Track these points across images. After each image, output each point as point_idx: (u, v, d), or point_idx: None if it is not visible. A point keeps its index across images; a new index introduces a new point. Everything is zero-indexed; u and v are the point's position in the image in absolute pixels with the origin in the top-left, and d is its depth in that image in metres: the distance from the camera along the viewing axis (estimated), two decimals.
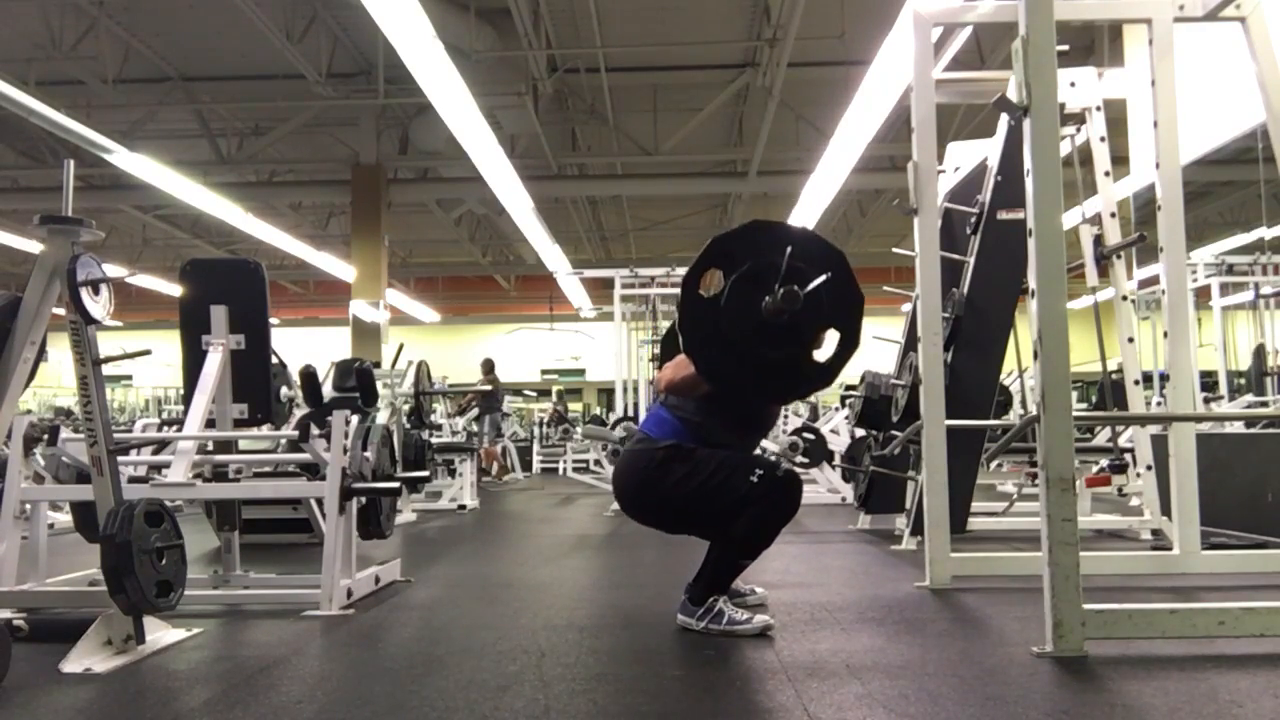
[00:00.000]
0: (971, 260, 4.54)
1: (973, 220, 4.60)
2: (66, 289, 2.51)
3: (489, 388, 10.87)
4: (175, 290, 3.84)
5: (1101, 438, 6.50)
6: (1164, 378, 4.34)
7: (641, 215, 16.36)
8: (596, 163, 13.20)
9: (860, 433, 6.28)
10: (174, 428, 4.31)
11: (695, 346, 2.68)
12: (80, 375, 2.56)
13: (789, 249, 2.62)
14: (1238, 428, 5.87)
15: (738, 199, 14.78)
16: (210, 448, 3.63)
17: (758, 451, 3.29)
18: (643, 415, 7.75)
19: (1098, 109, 4.46)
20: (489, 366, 11.86)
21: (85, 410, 2.55)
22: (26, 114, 7.72)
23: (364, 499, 3.47)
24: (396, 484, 3.72)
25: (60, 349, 2.83)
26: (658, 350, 6.46)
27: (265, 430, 3.93)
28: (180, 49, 10.07)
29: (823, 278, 2.62)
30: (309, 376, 4.36)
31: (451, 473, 8.00)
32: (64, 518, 5.24)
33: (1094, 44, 8.71)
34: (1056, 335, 2.50)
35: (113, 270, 2.65)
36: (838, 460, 7.27)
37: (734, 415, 2.94)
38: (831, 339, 2.70)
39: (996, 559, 3.87)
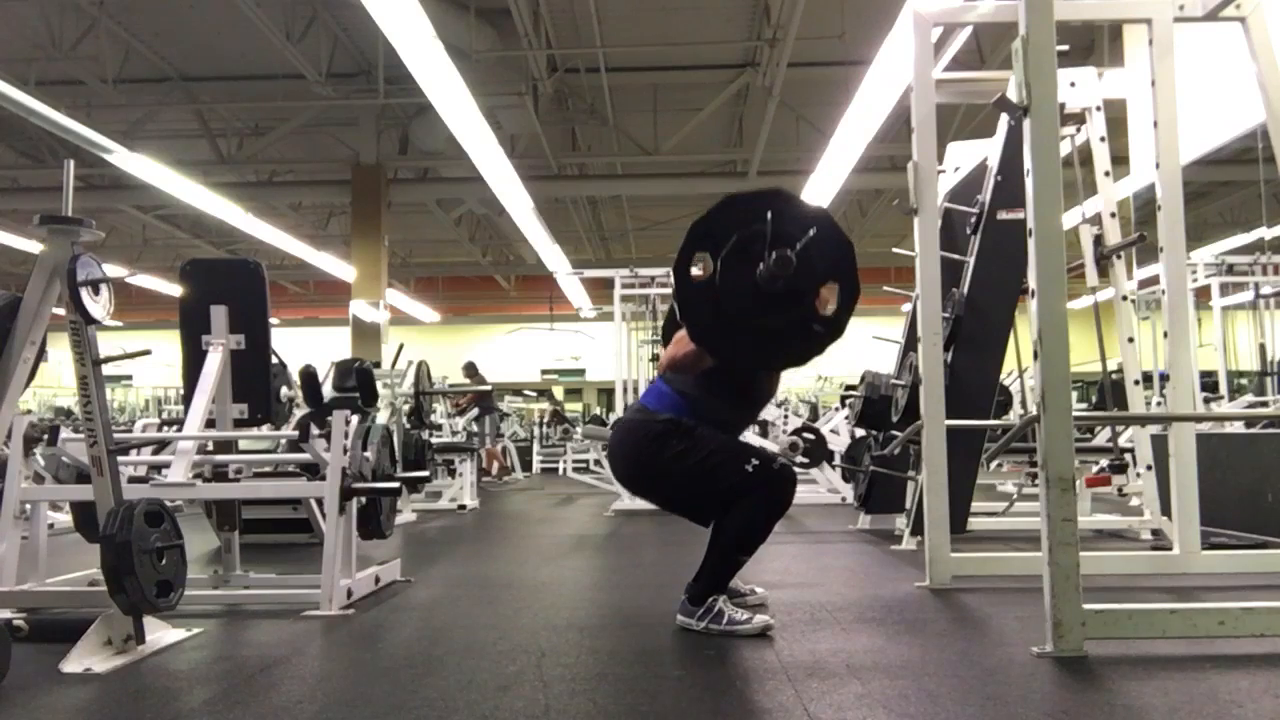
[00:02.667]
0: (971, 260, 4.53)
1: (973, 220, 4.60)
2: (66, 289, 2.51)
3: (488, 387, 10.87)
4: (175, 290, 3.84)
5: (1101, 438, 6.50)
6: (1164, 378, 4.34)
7: (641, 215, 16.36)
8: (596, 163, 13.20)
9: (860, 433, 6.28)
10: (174, 428, 4.30)
11: (699, 330, 2.65)
12: (80, 375, 2.56)
13: (769, 215, 2.57)
14: (1238, 428, 5.87)
15: None
16: (210, 448, 3.62)
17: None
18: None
19: (1098, 109, 4.46)
20: (472, 369, 11.85)
21: (85, 410, 2.55)
22: (26, 114, 7.72)
23: (364, 499, 3.47)
24: (396, 484, 3.72)
25: (60, 349, 2.84)
26: (658, 351, 6.46)
27: (265, 430, 3.93)
28: (180, 49, 10.07)
29: (810, 233, 2.58)
30: (309, 376, 4.36)
31: (451, 473, 8.00)
32: (64, 518, 5.24)
33: (1094, 44, 8.71)
34: (1056, 335, 2.50)
35: (113, 270, 2.65)
36: (838, 460, 7.26)
37: (733, 389, 2.93)
38: (831, 292, 2.66)
39: (996, 559, 3.87)
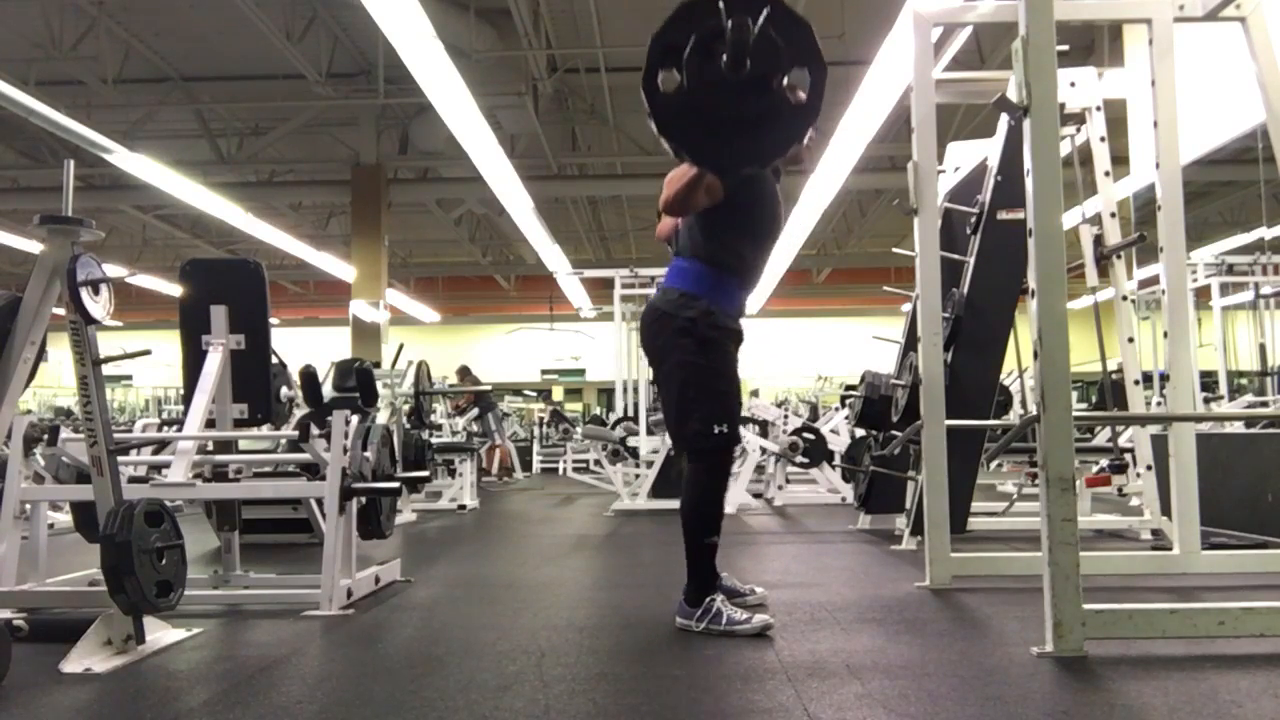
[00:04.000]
0: (971, 260, 4.54)
1: (973, 220, 4.60)
2: (66, 289, 2.51)
3: (487, 387, 10.88)
4: (175, 290, 3.84)
5: (1101, 438, 6.50)
6: (1164, 378, 4.34)
7: (641, 215, 16.34)
8: (596, 163, 13.20)
9: (860, 433, 6.28)
10: (174, 428, 4.30)
11: (683, 141, 2.61)
12: (80, 375, 2.56)
13: (720, 5, 2.50)
14: (1238, 428, 5.87)
15: None
16: (210, 448, 3.63)
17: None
18: (643, 415, 7.75)
19: (1098, 109, 4.46)
20: (465, 372, 11.86)
21: (85, 410, 2.55)
22: (26, 114, 7.71)
23: (364, 499, 3.47)
24: (396, 484, 3.72)
25: (60, 349, 2.83)
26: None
27: (265, 430, 3.93)
28: (180, 49, 10.07)
29: (764, 12, 2.50)
30: (309, 376, 4.36)
31: (451, 473, 8.00)
32: (64, 518, 5.24)
33: (1094, 44, 8.71)
34: (1056, 335, 2.50)
35: (113, 270, 2.65)
36: (838, 460, 7.27)
37: (741, 219, 2.93)
38: (800, 78, 2.59)
39: (996, 559, 3.87)
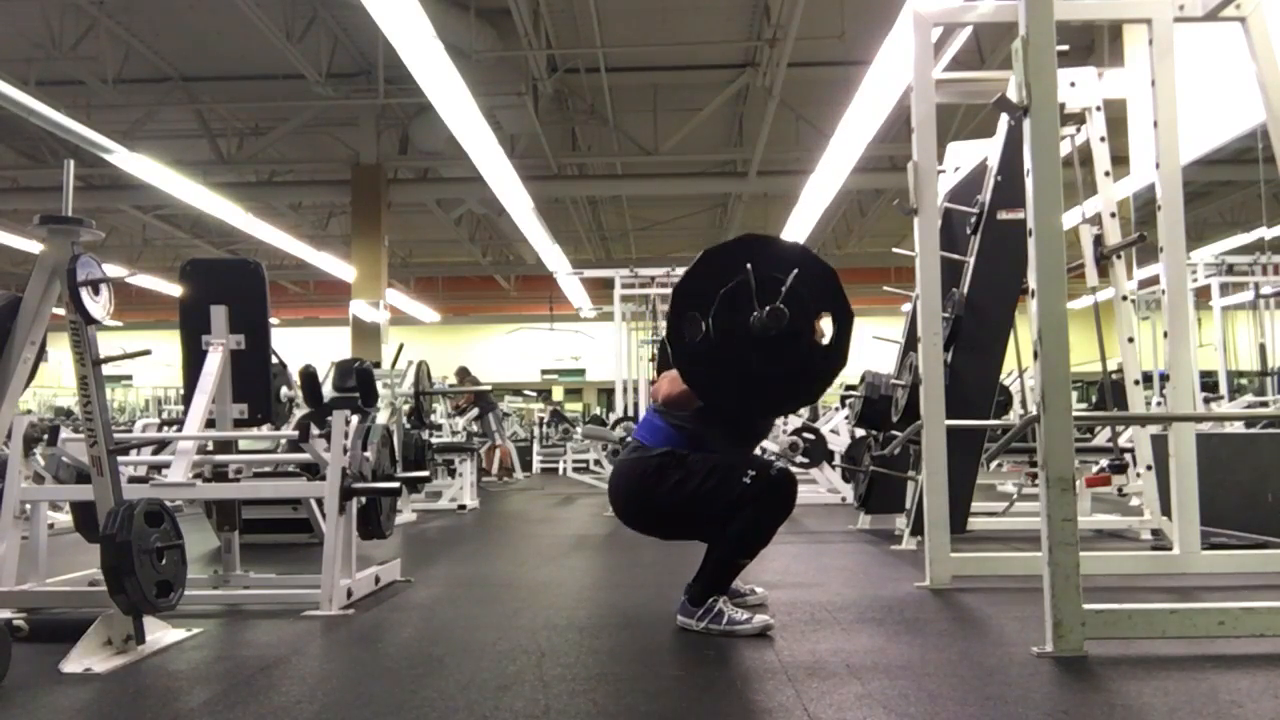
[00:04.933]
0: (971, 260, 4.53)
1: (973, 220, 4.60)
2: (66, 289, 2.51)
3: (487, 387, 10.88)
4: (175, 290, 3.84)
5: (1101, 438, 6.50)
6: (1164, 378, 4.34)
7: (641, 215, 16.35)
8: (596, 163, 13.19)
9: (860, 433, 6.28)
10: (174, 428, 4.30)
11: (706, 390, 2.66)
12: (80, 375, 2.56)
13: (748, 264, 2.58)
14: (1238, 428, 5.87)
15: (738, 199, 14.77)
16: (210, 448, 3.63)
17: (756, 451, 3.29)
18: (643, 414, 7.74)
19: (1098, 109, 4.46)
20: (464, 373, 11.86)
21: (85, 410, 2.55)
22: (26, 114, 7.71)
23: (364, 499, 3.47)
24: (396, 484, 3.71)
25: (60, 349, 2.83)
26: (657, 350, 6.46)
27: (265, 430, 3.93)
28: (180, 49, 10.07)
29: (793, 274, 2.58)
30: (309, 376, 4.36)
31: (451, 473, 8.00)
32: (64, 518, 5.24)
33: (1094, 44, 8.71)
34: (1056, 335, 2.50)
35: (113, 270, 2.64)
36: (838, 460, 7.27)
37: (730, 424, 2.94)
38: (825, 322, 2.66)
39: (996, 559, 3.87)
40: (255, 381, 3.60)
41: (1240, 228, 12.80)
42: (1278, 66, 3.32)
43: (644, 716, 2.04)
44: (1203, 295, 9.22)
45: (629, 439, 3.06)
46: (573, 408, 20.42)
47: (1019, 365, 5.80)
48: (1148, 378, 7.72)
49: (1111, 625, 2.48)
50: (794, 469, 2.94)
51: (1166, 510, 4.19)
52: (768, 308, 2.54)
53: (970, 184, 4.83)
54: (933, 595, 3.40)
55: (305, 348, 8.32)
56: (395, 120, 11.99)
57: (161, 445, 3.93)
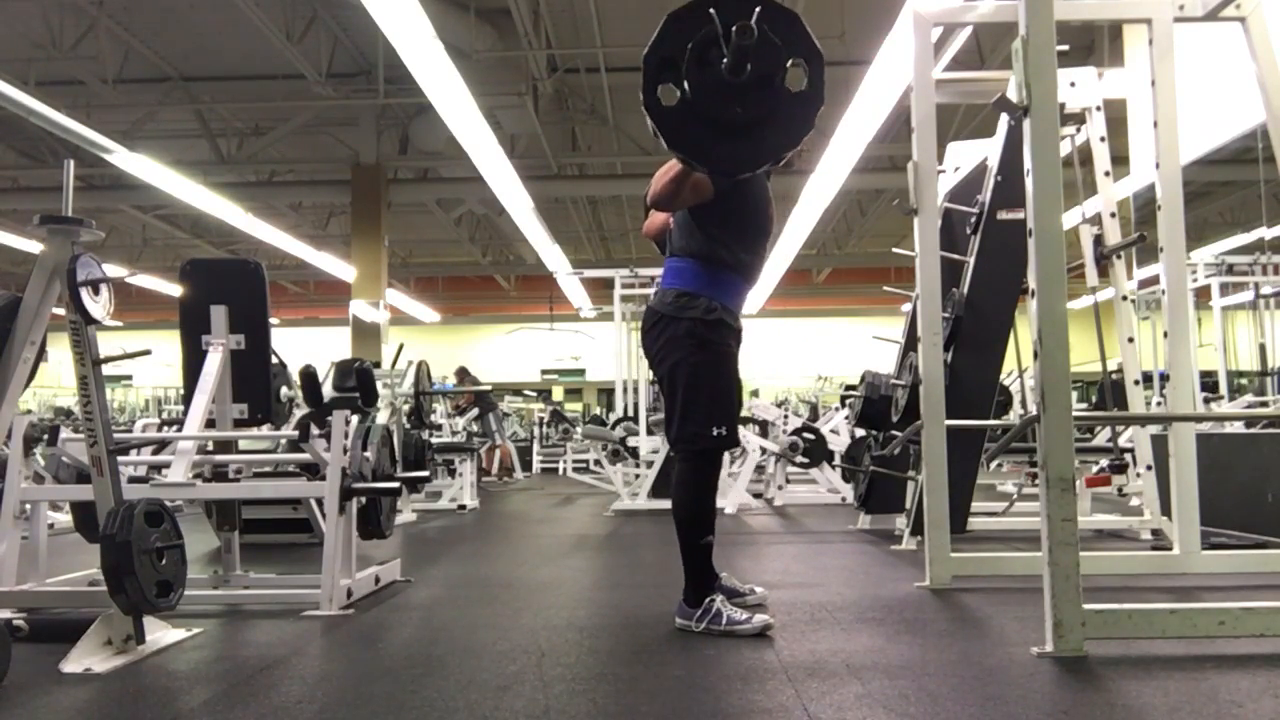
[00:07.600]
0: (971, 260, 4.54)
1: (973, 220, 4.60)
2: (66, 289, 2.51)
3: (487, 387, 10.88)
4: (175, 290, 3.84)
5: (1101, 438, 6.50)
6: (1164, 378, 4.34)
7: (641, 215, 16.32)
8: (596, 163, 13.20)
9: (860, 433, 6.28)
10: (174, 428, 4.30)
11: (693, 148, 2.59)
12: (80, 375, 2.56)
13: (712, 11, 2.48)
14: (1238, 428, 5.87)
15: None
16: (210, 448, 3.63)
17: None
18: (643, 414, 7.75)
19: (1098, 109, 4.46)
20: (464, 373, 11.87)
21: (85, 410, 2.55)
22: (26, 114, 7.72)
23: (364, 499, 3.47)
24: (396, 484, 3.71)
25: (60, 349, 2.83)
26: None
27: (265, 430, 3.93)
28: (180, 49, 10.07)
29: (756, 10, 2.47)
30: (309, 376, 4.36)
31: (451, 473, 8.00)
32: (64, 518, 5.24)
33: (1094, 44, 8.71)
34: (1056, 335, 2.50)
35: (113, 270, 2.65)
36: (838, 460, 7.27)
37: (733, 219, 2.91)
38: (798, 69, 2.57)
39: (996, 559, 3.87)
40: (255, 381, 3.60)
41: (1240, 228, 12.81)
42: (1278, 66, 3.32)
43: (644, 716, 2.04)
44: (1203, 295, 9.21)
45: (658, 289, 3.03)
46: (573, 408, 20.41)
47: (1019, 365, 5.80)
48: (1148, 378, 7.71)
49: (1111, 625, 2.48)
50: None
51: (1166, 510, 4.19)
52: (735, 27, 2.42)
53: (970, 184, 4.83)
54: (933, 595, 3.40)
55: (305, 348, 8.32)
56: (395, 120, 12.00)
57: (161, 445, 3.93)
